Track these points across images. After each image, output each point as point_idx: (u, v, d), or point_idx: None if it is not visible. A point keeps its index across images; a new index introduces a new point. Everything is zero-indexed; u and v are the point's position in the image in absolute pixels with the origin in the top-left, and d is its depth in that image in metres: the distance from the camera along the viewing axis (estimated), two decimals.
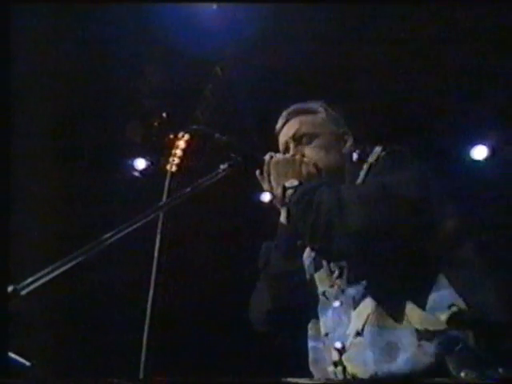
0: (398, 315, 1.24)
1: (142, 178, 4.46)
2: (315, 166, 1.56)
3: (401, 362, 1.20)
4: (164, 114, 4.25)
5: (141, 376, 1.32)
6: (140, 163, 4.48)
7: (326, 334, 1.41)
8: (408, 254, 1.28)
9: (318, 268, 1.50)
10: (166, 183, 1.44)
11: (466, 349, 1.16)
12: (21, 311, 1.06)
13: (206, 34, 3.56)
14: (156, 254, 1.48)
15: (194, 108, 4.18)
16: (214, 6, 3.48)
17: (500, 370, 1.14)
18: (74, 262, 1.12)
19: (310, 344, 1.49)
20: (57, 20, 3.31)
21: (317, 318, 1.47)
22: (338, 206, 1.28)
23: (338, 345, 1.33)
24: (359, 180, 1.46)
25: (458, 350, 1.16)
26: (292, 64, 3.81)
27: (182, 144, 4.46)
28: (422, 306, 1.23)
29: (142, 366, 1.33)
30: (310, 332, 1.50)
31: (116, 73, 3.83)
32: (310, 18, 3.52)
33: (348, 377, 1.28)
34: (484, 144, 4.39)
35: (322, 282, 1.47)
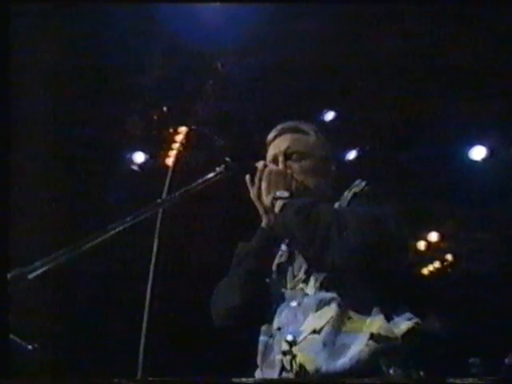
0: (359, 322, 1.41)
1: (141, 172, 4.47)
2: (303, 183, 1.66)
3: (347, 358, 1.37)
4: (164, 108, 4.26)
5: (138, 376, 1.35)
6: (139, 157, 4.50)
7: (279, 329, 1.53)
8: (384, 275, 1.45)
9: (281, 271, 1.64)
10: (168, 178, 1.47)
11: (397, 353, 1.38)
12: (27, 297, 1.08)
13: (207, 29, 3.57)
14: (154, 251, 1.51)
15: (195, 103, 4.18)
16: (218, 2, 3.49)
17: (421, 373, 1.39)
18: (79, 250, 1.16)
19: (261, 338, 1.60)
20: (58, 13, 3.31)
21: (271, 314, 1.59)
22: (336, 224, 1.44)
23: (290, 337, 1.46)
24: (344, 204, 1.61)
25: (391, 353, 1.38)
26: (293, 61, 3.82)
27: (181, 138, 4.48)
28: (387, 318, 1.41)
29: (139, 366, 1.36)
30: (262, 327, 1.61)
31: (117, 66, 3.84)
32: (311, 16, 3.52)
33: (295, 365, 1.42)
34: (483, 145, 4.41)
35: (284, 283, 1.61)
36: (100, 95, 3.96)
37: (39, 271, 1.08)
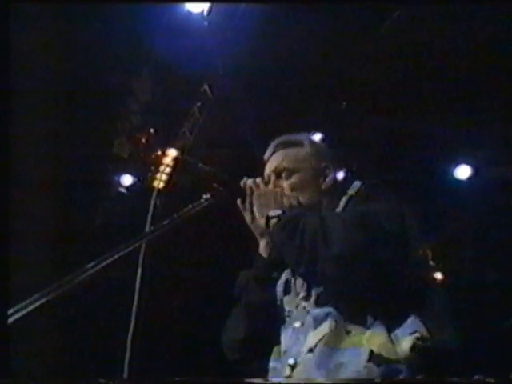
0: (359, 336, 1.32)
1: (129, 194, 4.45)
2: (296, 199, 1.62)
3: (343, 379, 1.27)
4: (152, 131, 4.26)
5: (125, 376, 1.34)
6: (127, 179, 4.49)
7: (285, 352, 1.47)
8: (381, 281, 1.35)
9: (287, 292, 1.57)
10: (152, 200, 1.46)
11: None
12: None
13: (195, 51, 3.60)
14: (138, 282, 1.49)
15: (182, 125, 4.20)
16: (205, 22, 3.52)
17: None
18: (56, 292, 1.15)
19: (271, 364, 1.53)
20: (52, 27, 3.31)
21: (278, 338, 1.53)
22: (321, 232, 1.37)
23: (291, 361, 1.39)
24: (339, 209, 1.55)
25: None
26: (281, 82, 3.86)
27: (168, 161, 4.47)
28: (388, 330, 1.31)
29: (126, 366, 1.35)
30: (273, 353, 1.55)
31: (105, 88, 3.85)
32: (299, 36, 3.56)
33: None
34: (467, 164, 4.46)
35: (289, 304, 1.54)
36: (87, 117, 3.96)
37: (16, 316, 1.06)
